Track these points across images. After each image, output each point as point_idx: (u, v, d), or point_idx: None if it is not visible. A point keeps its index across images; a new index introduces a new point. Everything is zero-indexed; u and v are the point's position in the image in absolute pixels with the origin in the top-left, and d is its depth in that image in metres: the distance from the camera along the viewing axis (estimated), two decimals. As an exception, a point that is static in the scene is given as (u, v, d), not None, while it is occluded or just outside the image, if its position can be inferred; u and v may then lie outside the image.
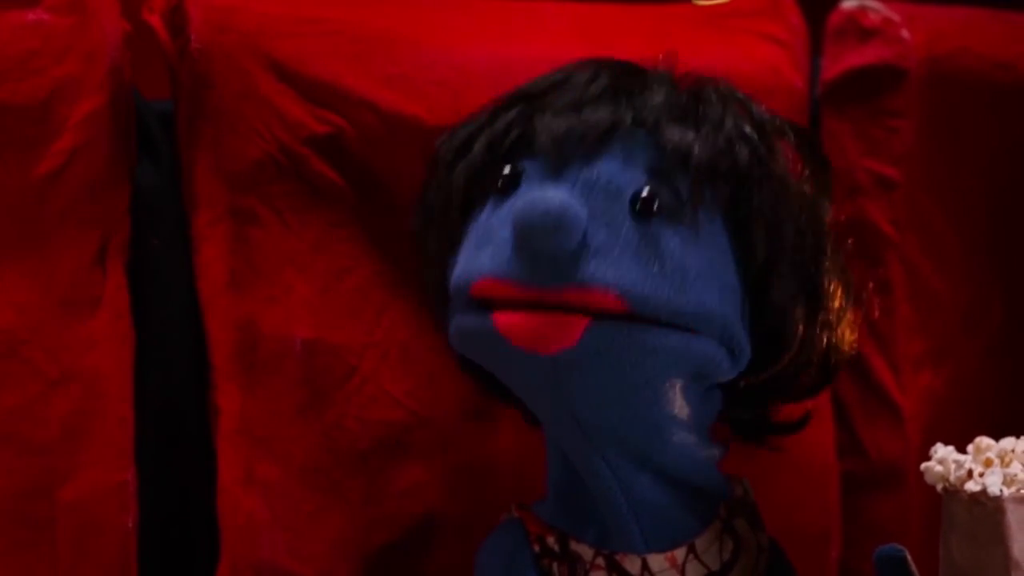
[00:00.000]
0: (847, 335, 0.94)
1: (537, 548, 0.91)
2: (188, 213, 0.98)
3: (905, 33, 1.16)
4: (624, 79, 0.90)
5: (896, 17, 1.17)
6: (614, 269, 0.83)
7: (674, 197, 0.85)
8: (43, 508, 0.91)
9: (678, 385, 0.87)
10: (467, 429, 1.01)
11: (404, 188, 0.98)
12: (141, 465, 0.95)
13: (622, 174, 0.86)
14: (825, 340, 0.92)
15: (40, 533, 0.91)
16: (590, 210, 0.84)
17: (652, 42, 1.10)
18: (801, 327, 0.90)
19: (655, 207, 0.85)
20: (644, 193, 0.85)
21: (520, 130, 0.88)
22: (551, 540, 0.91)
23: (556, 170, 0.86)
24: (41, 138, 0.93)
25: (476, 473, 1.03)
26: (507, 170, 0.87)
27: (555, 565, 0.90)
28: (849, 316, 0.93)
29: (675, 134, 0.86)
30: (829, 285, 0.91)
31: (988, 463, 0.82)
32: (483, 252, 0.86)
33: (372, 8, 1.05)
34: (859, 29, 1.17)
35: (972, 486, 0.82)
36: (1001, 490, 0.81)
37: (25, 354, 0.92)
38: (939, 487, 0.84)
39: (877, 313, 0.95)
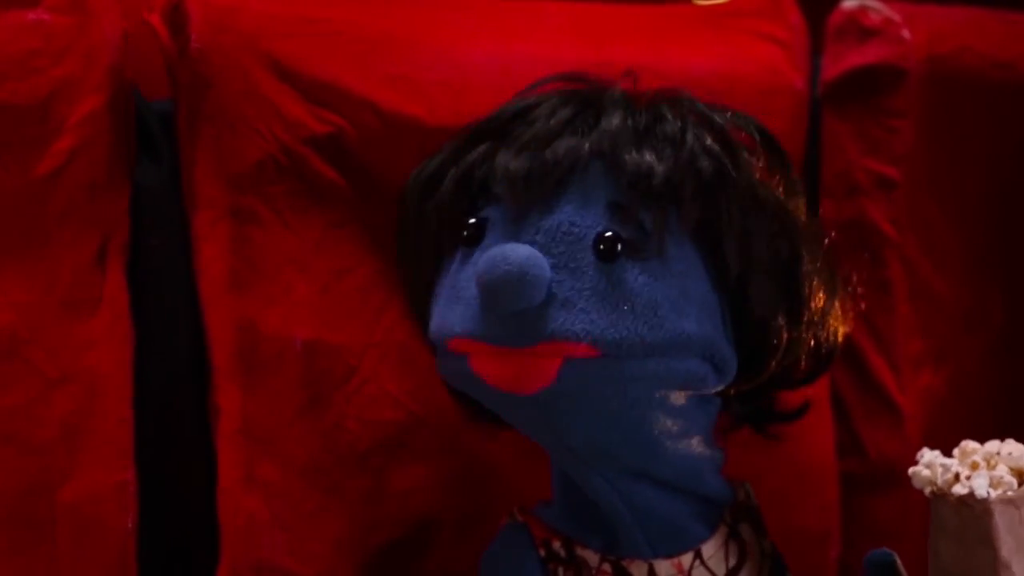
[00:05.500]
0: (838, 327, 0.93)
1: (543, 553, 0.91)
2: (188, 213, 0.98)
3: (906, 33, 1.16)
4: (582, 107, 0.88)
5: (897, 17, 1.17)
6: (583, 318, 0.83)
7: (638, 231, 0.85)
8: (43, 508, 0.91)
9: (667, 401, 0.87)
10: (467, 429, 1.01)
11: (404, 188, 0.98)
12: (141, 465, 0.95)
13: (583, 217, 0.85)
14: (812, 338, 0.91)
15: (40, 533, 0.91)
16: (554, 259, 0.84)
17: (652, 42, 1.11)
18: (784, 333, 0.89)
19: (619, 248, 0.84)
20: (607, 234, 0.84)
21: (485, 169, 0.88)
22: (557, 545, 0.91)
23: (517, 219, 0.86)
24: (41, 138, 0.93)
25: (476, 473, 1.03)
26: (472, 221, 0.87)
27: (561, 570, 0.90)
28: (836, 310, 0.93)
29: (633, 161, 0.85)
30: (809, 287, 0.90)
31: (975, 466, 0.83)
32: (454, 310, 0.86)
33: (372, 8, 1.04)
34: (860, 29, 1.17)
35: (959, 489, 0.82)
36: (988, 492, 0.81)
37: (25, 354, 0.92)
38: (927, 491, 0.84)
39: (864, 305, 0.95)
